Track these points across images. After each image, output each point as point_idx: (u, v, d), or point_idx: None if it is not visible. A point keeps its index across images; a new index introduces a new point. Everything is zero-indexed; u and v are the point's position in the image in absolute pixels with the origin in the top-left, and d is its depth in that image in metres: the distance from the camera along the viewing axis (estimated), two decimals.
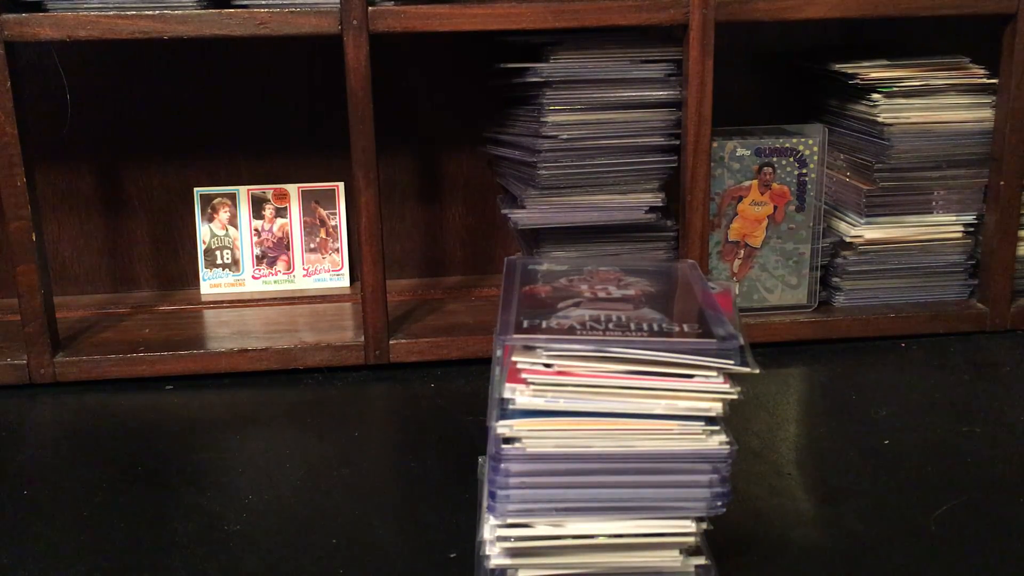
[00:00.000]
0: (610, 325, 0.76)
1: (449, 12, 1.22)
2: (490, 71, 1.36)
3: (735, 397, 0.74)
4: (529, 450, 0.74)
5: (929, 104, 1.35)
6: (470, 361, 1.31)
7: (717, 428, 0.75)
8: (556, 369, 0.73)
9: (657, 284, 0.87)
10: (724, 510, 0.76)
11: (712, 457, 0.75)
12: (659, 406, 0.73)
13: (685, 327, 0.76)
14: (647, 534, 0.76)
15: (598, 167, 1.30)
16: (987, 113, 1.36)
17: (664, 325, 0.76)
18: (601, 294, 0.83)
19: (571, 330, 0.75)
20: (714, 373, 0.74)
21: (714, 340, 0.74)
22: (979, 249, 1.41)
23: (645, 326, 0.76)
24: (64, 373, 1.27)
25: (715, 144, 1.32)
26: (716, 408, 0.74)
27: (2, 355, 1.28)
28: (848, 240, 1.39)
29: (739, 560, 0.87)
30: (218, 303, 1.48)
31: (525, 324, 0.75)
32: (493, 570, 0.77)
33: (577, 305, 0.80)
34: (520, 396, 0.73)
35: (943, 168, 1.37)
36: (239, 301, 1.49)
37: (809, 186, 1.36)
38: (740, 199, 1.36)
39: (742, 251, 1.38)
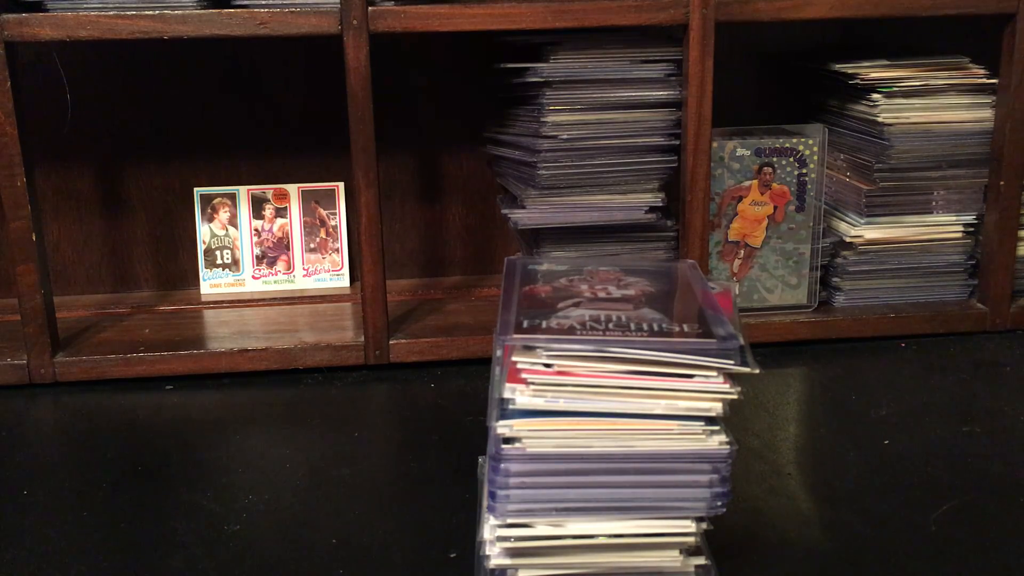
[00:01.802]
0: (610, 325, 0.76)
1: (449, 12, 1.22)
2: (490, 71, 1.36)
3: (735, 397, 0.74)
4: (529, 450, 0.74)
5: (929, 104, 1.35)
6: (470, 361, 1.31)
7: (717, 428, 0.75)
8: (556, 369, 0.73)
9: (657, 284, 0.87)
10: (724, 510, 0.76)
11: (712, 457, 0.75)
12: (659, 406, 0.73)
13: (685, 327, 0.76)
14: (647, 534, 0.76)
15: (598, 167, 1.30)
16: (987, 113, 1.36)
17: (664, 325, 0.76)
18: (601, 294, 0.83)
19: (571, 330, 0.74)
20: (714, 373, 0.74)
21: (714, 340, 0.74)
22: (979, 249, 1.41)
23: (645, 326, 0.76)
24: (64, 373, 1.27)
25: (715, 144, 1.32)
26: (716, 408, 0.74)
27: (2, 355, 1.28)
28: (848, 240, 1.39)
29: (739, 560, 0.87)
30: (218, 303, 1.48)
31: (525, 324, 0.75)
32: (493, 570, 0.77)
33: (577, 305, 0.80)
34: (520, 396, 0.73)
35: (943, 168, 1.37)
36: (239, 301, 1.49)
37: (809, 186, 1.36)
38: (740, 199, 1.36)
39: (742, 251, 1.38)
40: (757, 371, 0.73)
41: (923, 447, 1.08)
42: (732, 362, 0.73)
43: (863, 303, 1.41)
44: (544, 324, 0.75)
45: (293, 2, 1.21)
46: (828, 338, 1.37)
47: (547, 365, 0.73)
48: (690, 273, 0.90)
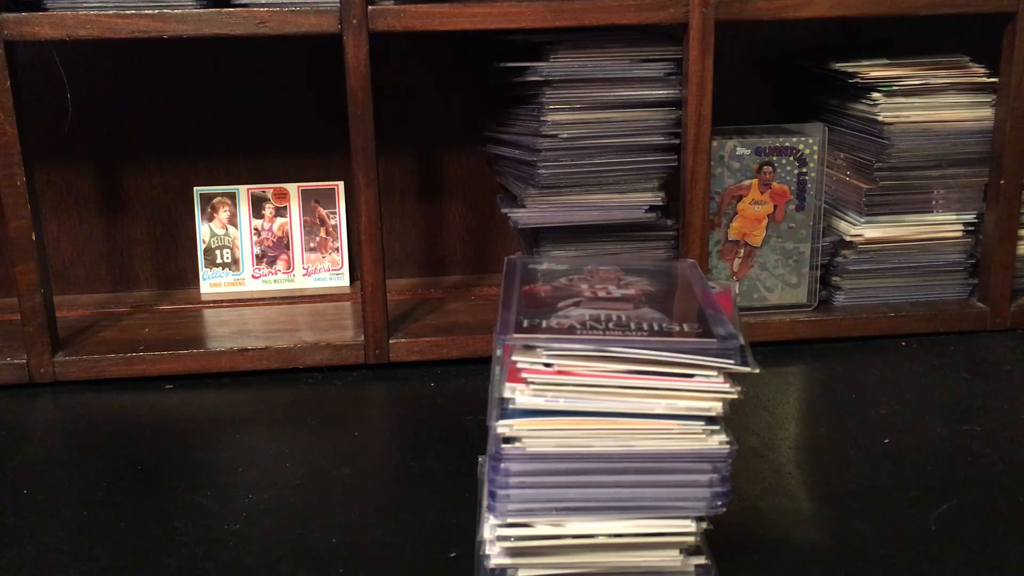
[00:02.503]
0: (610, 325, 0.76)
1: (449, 11, 1.22)
2: (490, 70, 1.36)
3: (735, 397, 0.74)
4: (529, 450, 0.73)
5: (929, 103, 1.35)
6: (470, 361, 1.31)
7: (717, 428, 0.75)
8: (556, 369, 0.73)
9: (657, 284, 0.87)
10: (724, 510, 0.76)
11: (712, 457, 0.74)
12: (659, 406, 0.73)
13: (685, 327, 0.76)
14: (647, 534, 0.76)
15: (598, 166, 1.30)
16: (987, 112, 1.36)
17: (664, 325, 0.76)
18: (601, 293, 0.83)
19: (571, 329, 0.74)
20: (714, 373, 0.74)
21: (714, 340, 0.74)
22: (979, 248, 1.41)
23: (645, 326, 0.76)
24: (64, 373, 1.27)
25: (715, 143, 1.32)
26: (716, 408, 0.74)
27: (2, 355, 1.28)
28: (848, 239, 1.39)
29: (739, 560, 0.87)
30: (218, 303, 1.48)
31: (525, 323, 0.75)
32: (493, 570, 0.77)
33: (577, 304, 0.80)
34: (520, 396, 0.73)
35: (943, 167, 1.37)
36: (239, 300, 1.49)
37: (809, 185, 1.36)
38: (740, 198, 1.36)
39: (742, 250, 1.38)
40: (757, 371, 0.73)
41: (923, 446, 1.08)
42: (732, 362, 0.73)
43: (863, 302, 1.41)
44: (544, 324, 0.75)
45: (293, 1, 1.20)
46: (828, 337, 1.37)
47: (547, 365, 0.73)
48: (690, 272, 0.90)
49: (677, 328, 0.76)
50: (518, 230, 1.39)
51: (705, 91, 1.27)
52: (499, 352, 0.78)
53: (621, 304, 0.81)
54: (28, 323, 1.25)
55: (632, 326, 0.75)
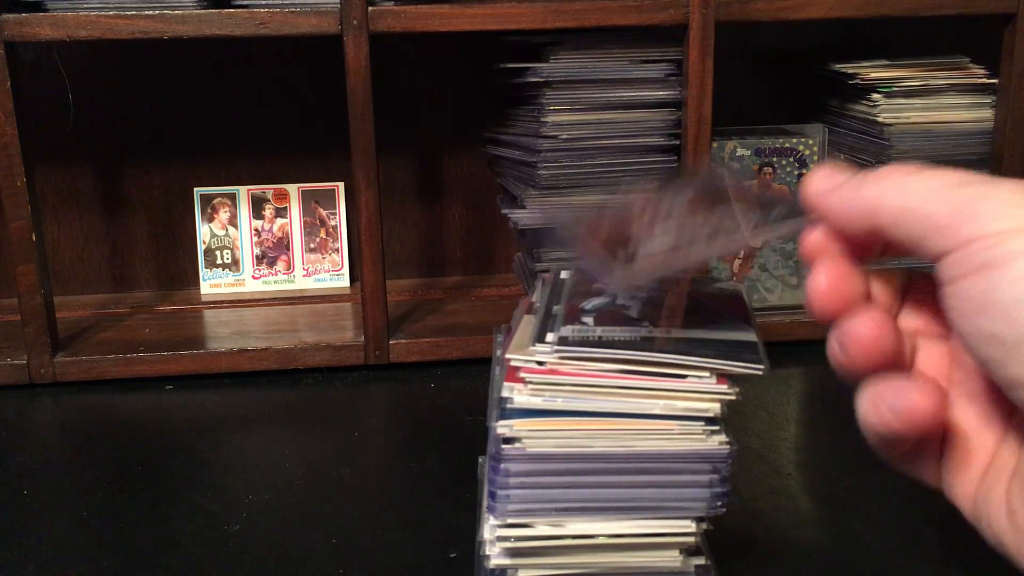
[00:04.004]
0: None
1: (449, 12, 1.22)
2: (490, 71, 1.36)
3: (733, 398, 0.74)
4: (529, 450, 0.73)
5: (929, 104, 1.35)
6: (470, 361, 1.31)
7: (717, 428, 0.75)
8: (550, 367, 0.73)
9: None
10: (724, 510, 0.76)
11: (712, 457, 0.74)
12: (657, 406, 0.73)
13: None
14: (647, 534, 0.76)
15: (598, 167, 1.30)
16: (987, 113, 1.36)
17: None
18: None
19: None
20: (707, 374, 0.73)
21: None
22: None
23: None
24: (64, 373, 1.27)
25: (715, 144, 1.32)
26: (714, 409, 0.74)
27: (2, 355, 1.28)
28: None
29: (739, 560, 0.87)
30: (218, 303, 1.48)
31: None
32: (493, 570, 0.77)
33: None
34: (518, 395, 0.73)
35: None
36: (239, 301, 1.49)
37: None
38: None
39: (742, 251, 1.38)
40: (759, 372, 0.73)
41: None
42: (734, 363, 0.73)
43: None
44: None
45: (293, 2, 1.21)
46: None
47: (540, 363, 0.73)
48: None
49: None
50: (518, 231, 1.40)
51: (705, 92, 1.27)
52: (499, 352, 0.78)
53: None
54: (28, 324, 1.25)
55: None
